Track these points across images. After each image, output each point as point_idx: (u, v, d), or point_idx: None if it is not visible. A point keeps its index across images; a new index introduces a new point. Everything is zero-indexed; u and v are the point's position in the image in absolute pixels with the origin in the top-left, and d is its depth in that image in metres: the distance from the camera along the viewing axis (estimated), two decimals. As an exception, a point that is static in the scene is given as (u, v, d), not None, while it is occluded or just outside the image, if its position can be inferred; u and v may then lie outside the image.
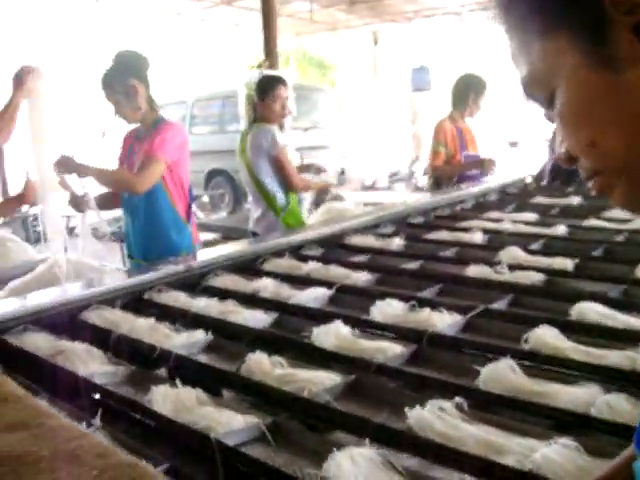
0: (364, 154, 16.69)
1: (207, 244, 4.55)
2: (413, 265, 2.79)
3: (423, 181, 15.27)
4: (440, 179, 5.00)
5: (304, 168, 4.86)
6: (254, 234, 4.40)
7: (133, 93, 3.35)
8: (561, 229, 3.18)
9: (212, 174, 13.55)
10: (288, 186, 4.42)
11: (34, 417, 1.37)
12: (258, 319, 2.26)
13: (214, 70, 20.65)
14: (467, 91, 5.08)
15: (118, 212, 3.89)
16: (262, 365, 1.85)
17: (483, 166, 4.93)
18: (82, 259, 3.43)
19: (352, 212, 4.07)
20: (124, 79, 3.34)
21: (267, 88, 4.44)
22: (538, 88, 0.74)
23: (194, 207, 3.67)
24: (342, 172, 14.10)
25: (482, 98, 5.05)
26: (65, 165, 3.23)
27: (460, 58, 19.97)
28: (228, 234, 6.83)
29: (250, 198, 4.61)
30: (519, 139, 21.41)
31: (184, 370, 1.95)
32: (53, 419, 1.37)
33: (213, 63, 21.43)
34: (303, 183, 4.49)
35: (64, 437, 1.28)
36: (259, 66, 12.00)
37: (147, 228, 3.50)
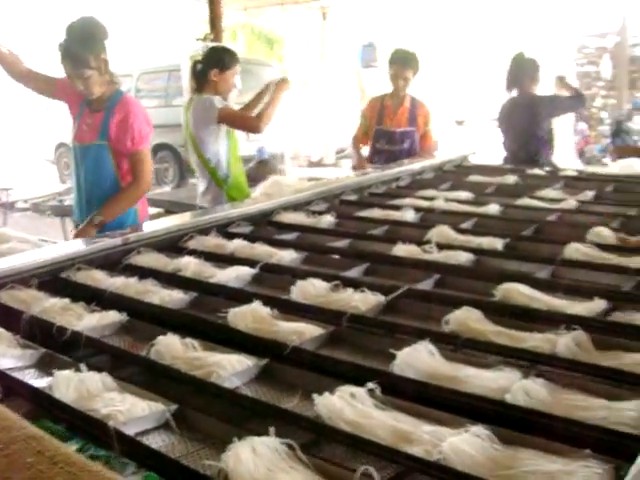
0: (311, 130, 16.60)
1: (150, 218, 4.43)
2: (341, 243, 2.72)
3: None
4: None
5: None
6: (201, 208, 4.29)
7: (104, 67, 3.23)
8: (494, 208, 3.13)
9: (157, 148, 13.33)
10: (251, 131, 4.39)
11: None
12: (176, 299, 2.18)
13: (162, 42, 20.30)
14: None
15: (59, 187, 3.81)
16: (173, 348, 1.77)
17: None
18: (18, 234, 3.29)
19: (295, 187, 3.95)
20: (97, 54, 3.20)
21: (230, 61, 4.32)
22: None
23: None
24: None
25: (392, 71, 5.01)
26: (85, 233, 3.17)
27: (408, 35, 19.95)
28: (171, 208, 6.72)
29: (197, 172, 4.51)
30: (465, 117, 21.55)
31: (94, 354, 1.86)
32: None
33: (161, 35, 21.08)
34: (260, 120, 4.20)
35: (-33, 411, 1.23)
36: (204, 39, 11.81)
37: (92, 202, 3.40)
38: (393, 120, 5.02)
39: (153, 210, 6.64)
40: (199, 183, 4.50)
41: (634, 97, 15.00)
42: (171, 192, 10.39)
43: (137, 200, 3.41)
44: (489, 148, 6.74)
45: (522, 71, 5.05)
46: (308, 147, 16.41)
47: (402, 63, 4.95)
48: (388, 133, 5.00)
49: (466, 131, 18.64)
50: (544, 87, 5.32)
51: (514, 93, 5.15)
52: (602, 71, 16.81)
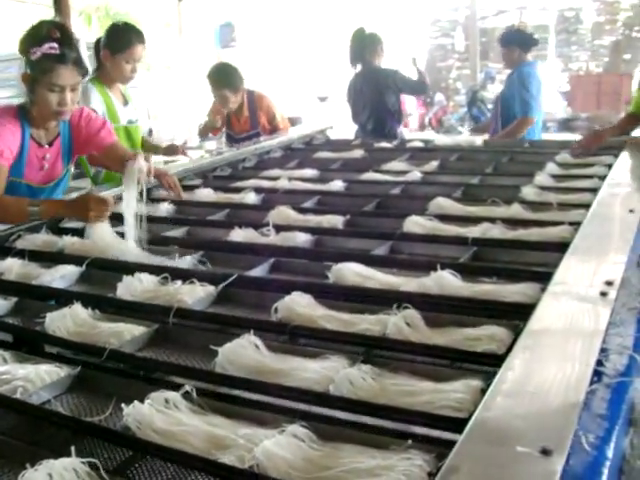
0: (173, 113, 16.25)
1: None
2: (178, 232, 2.58)
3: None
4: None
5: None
6: None
7: None
8: (337, 184, 3.06)
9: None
10: None
11: None
12: (-7, 307, 2.00)
13: (16, 28, 19.33)
14: None
15: None
16: (-24, 364, 1.61)
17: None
18: None
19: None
20: None
21: (122, 43, 3.57)
22: None
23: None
24: (150, 132, 13.61)
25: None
26: None
27: (267, 13, 19.83)
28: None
29: None
30: (328, 94, 21.58)
31: None
32: None
33: (14, 19, 20.09)
34: None
35: None
36: (50, 22, 11.27)
37: None
38: (237, 126, 4.87)
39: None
40: None
41: (486, 67, 15.43)
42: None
43: None
44: (349, 123, 6.73)
45: (362, 45, 5.12)
46: (171, 131, 16.04)
47: (214, 84, 4.72)
48: (233, 139, 4.85)
49: (329, 107, 18.67)
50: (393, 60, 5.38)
51: (359, 68, 5.23)
52: (456, 43, 17.23)
